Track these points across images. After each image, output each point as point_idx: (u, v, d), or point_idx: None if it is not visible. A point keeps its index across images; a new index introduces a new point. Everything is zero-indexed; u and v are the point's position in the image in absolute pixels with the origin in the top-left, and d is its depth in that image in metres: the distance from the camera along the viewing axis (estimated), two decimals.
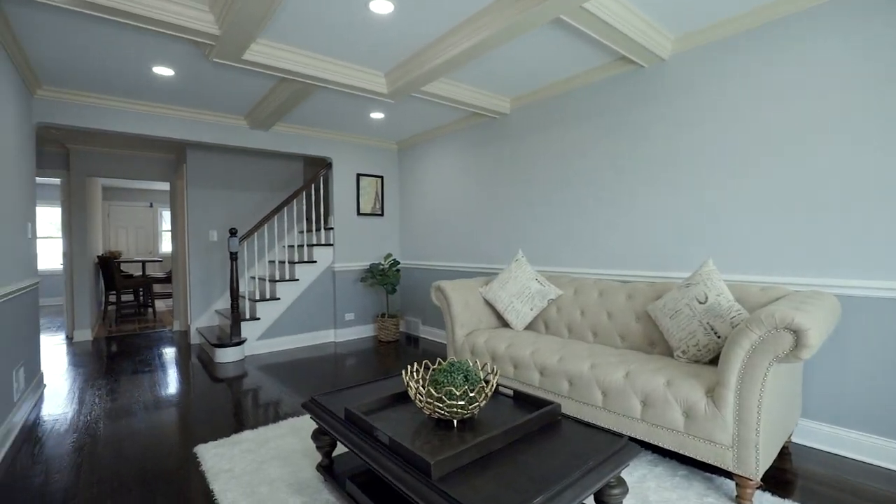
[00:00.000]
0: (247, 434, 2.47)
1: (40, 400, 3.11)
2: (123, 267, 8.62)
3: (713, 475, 1.97)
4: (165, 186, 8.36)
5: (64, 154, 5.15)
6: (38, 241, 8.33)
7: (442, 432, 1.57)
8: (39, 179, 7.23)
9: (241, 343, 4.21)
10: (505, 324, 3.25)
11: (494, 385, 1.66)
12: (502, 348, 2.69)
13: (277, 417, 2.73)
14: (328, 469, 1.93)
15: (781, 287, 2.16)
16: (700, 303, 2.15)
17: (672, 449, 1.91)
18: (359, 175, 5.08)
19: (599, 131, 3.16)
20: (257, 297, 4.52)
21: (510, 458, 1.41)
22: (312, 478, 1.99)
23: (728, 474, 1.97)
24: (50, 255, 8.44)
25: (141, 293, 7.22)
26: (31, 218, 3.23)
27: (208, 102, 3.76)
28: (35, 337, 3.23)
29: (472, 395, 1.54)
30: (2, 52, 2.56)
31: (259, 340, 4.45)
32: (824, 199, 2.17)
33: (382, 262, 5.07)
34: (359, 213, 5.08)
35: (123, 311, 7.16)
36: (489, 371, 1.78)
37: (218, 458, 2.18)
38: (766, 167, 2.36)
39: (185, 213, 5.08)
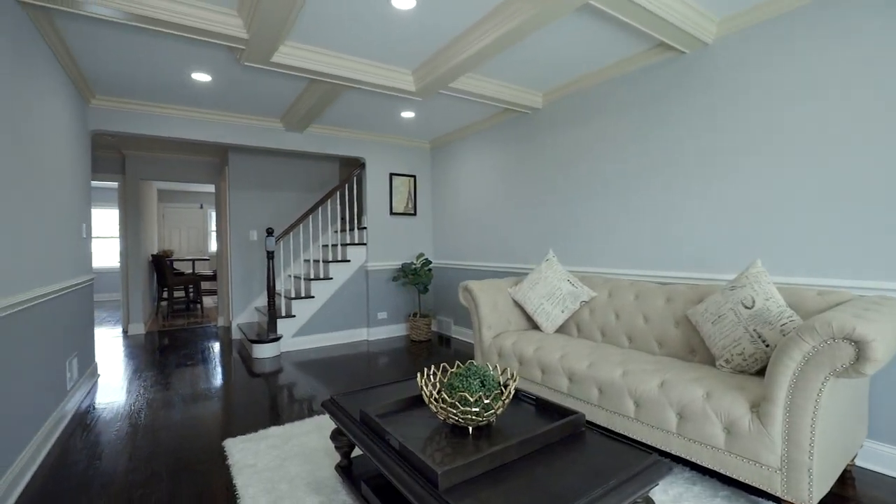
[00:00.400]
0: (274, 430, 2.51)
1: (93, 389, 3.33)
2: (175, 265, 9.15)
3: (760, 498, 1.78)
4: (213, 189, 8.80)
5: (120, 159, 5.51)
6: (100, 240, 9.02)
7: (456, 439, 1.50)
8: (99, 183, 7.78)
9: (276, 340, 4.33)
10: (535, 326, 3.13)
11: (512, 391, 1.57)
12: (530, 351, 2.59)
13: (304, 414, 2.77)
14: (346, 470, 1.91)
15: (843, 291, 1.92)
16: (746, 307, 1.96)
17: (711, 467, 1.74)
18: (391, 175, 5.10)
19: (635, 124, 2.98)
20: (293, 295, 4.63)
21: (526, 470, 1.33)
22: (331, 477, 1.99)
23: (776, 499, 1.78)
24: (110, 253, 9.11)
25: (190, 290, 7.63)
26: (86, 219, 3.46)
27: (245, 106, 3.88)
28: (89, 330, 3.46)
29: (487, 401, 1.47)
30: (57, 65, 2.75)
31: (294, 337, 4.56)
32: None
33: (414, 262, 5.06)
34: (391, 213, 5.10)
35: (175, 306, 7.59)
36: (509, 376, 1.70)
37: (244, 453, 2.23)
38: (825, 158, 2.12)
39: (227, 214, 5.30)
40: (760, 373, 1.96)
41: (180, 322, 6.29)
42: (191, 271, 8.12)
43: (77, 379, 3.01)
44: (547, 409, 1.75)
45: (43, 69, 2.45)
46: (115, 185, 8.61)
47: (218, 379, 3.59)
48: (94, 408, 2.93)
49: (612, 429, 2.09)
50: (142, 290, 5.62)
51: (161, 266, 6.72)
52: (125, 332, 5.50)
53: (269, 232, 4.42)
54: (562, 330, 3.03)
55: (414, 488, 1.26)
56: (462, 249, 4.84)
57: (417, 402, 1.84)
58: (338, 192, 4.91)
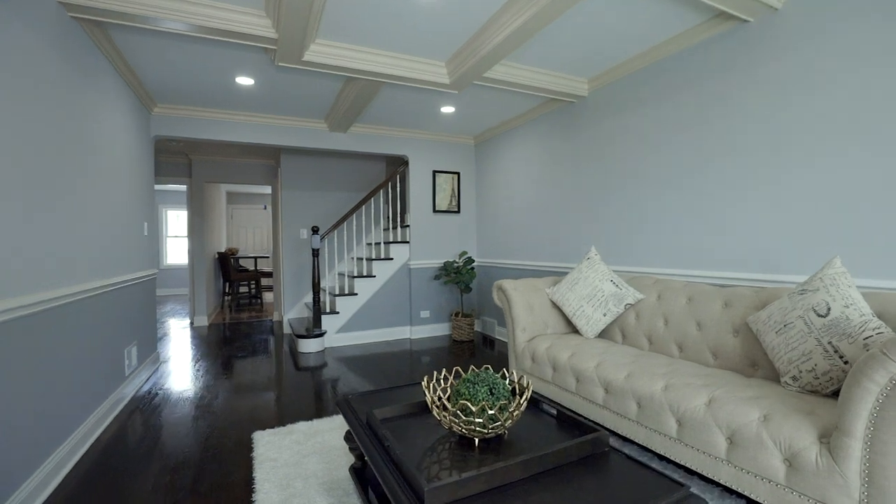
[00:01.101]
0: (301, 425, 2.53)
1: (153, 375, 3.59)
2: (241, 262, 9.77)
3: None
4: (271, 190, 9.30)
5: (188, 163, 5.96)
6: (176, 239, 9.84)
7: (460, 452, 1.38)
8: (171, 186, 8.46)
9: (321, 335, 4.43)
10: (575, 330, 2.91)
11: (524, 403, 1.42)
12: (564, 358, 2.39)
13: (333, 411, 2.77)
14: (359, 472, 1.86)
15: None
16: (819, 315, 1.64)
17: None
18: (435, 172, 5.04)
19: (689, 108, 2.65)
20: (336, 292, 4.72)
21: (531, 494, 1.18)
22: (345, 479, 1.94)
23: None
24: (184, 251, 9.94)
25: (252, 285, 8.10)
26: (149, 218, 3.74)
27: (290, 108, 4.00)
28: (151, 320, 3.74)
29: (491, 412, 1.33)
30: (119, 79, 2.98)
31: (338, 333, 4.65)
32: None
33: (457, 260, 4.96)
34: (435, 211, 5.05)
35: (240, 301, 8.11)
36: (524, 384, 1.54)
37: (268, 447, 2.26)
38: None
39: (280, 213, 5.54)
40: (837, 394, 1.63)
41: (241, 315, 6.68)
42: (253, 268, 8.63)
43: (136, 366, 3.25)
44: (568, 423, 1.57)
45: (104, 82, 2.65)
46: (183, 187, 9.36)
47: (263, 371, 3.73)
48: (150, 393, 3.15)
49: (652, 449, 1.85)
50: (204, 284, 6.04)
51: (225, 263, 7.20)
52: (191, 323, 5.94)
53: (315, 230, 4.54)
54: (605, 335, 2.78)
55: (403, 502, 1.16)
56: (506, 247, 4.66)
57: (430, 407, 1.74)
58: (381, 191, 4.94)
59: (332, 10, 2.38)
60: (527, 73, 3.19)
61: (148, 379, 3.48)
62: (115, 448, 2.30)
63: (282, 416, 2.70)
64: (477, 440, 1.42)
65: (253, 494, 1.85)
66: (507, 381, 1.49)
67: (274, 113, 4.14)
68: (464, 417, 1.35)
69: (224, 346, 4.70)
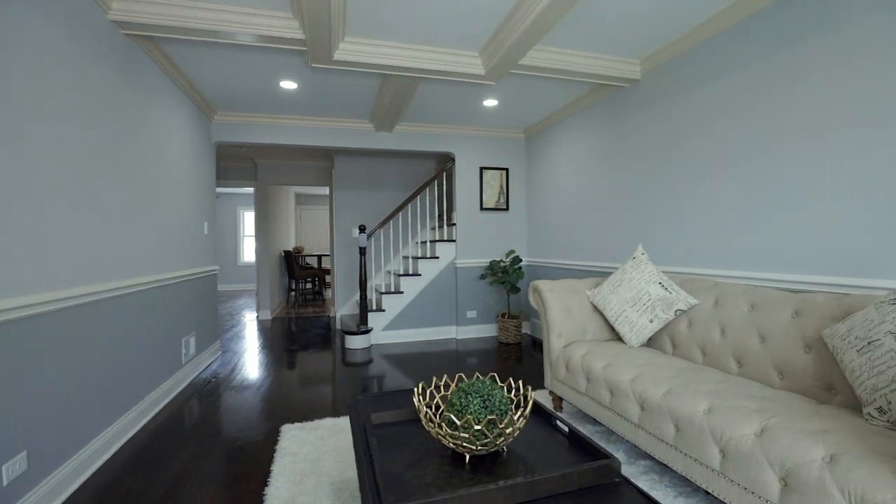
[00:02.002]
0: (328, 421, 2.55)
1: (211, 364, 3.86)
2: (307, 260, 10.32)
3: None
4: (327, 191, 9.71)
5: (253, 167, 6.38)
6: (249, 238, 10.61)
7: (448, 468, 1.26)
8: (242, 189, 9.07)
9: (367, 332, 4.50)
10: (619, 338, 2.63)
11: (524, 419, 1.26)
12: (598, 368, 2.15)
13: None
14: None
15: None
16: None
17: None
18: (482, 168, 4.90)
19: (755, 85, 2.27)
20: (383, 290, 4.77)
21: None
22: (354, 480, 1.90)
23: None
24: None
25: (315, 282, 8.52)
26: (209, 218, 4.02)
27: (336, 110, 4.09)
28: (211, 313, 4.02)
29: (478, 427, 1.19)
30: (177, 89, 3.23)
31: (384, 331, 4.69)
32: None
33: (504, 260, 4.79)
34: (482, 208, 4.91)
35: (307, 297, 8.56)
36: (528, 397, 1.38)
37: (292, 440, 2.29)
38: None
39: (333, 213, 5.73)
40: None
41: (303, 311, 7.04)
42: (317, 266, 9.05)
43: (194, 354, 3.51)
44: (580, 444, 1.38)
45: (160, 92, 2.87)
46: (251, 190, 10.05)
47: (309, 365, 3.85)
48: (202, 381, 3.38)
49: (691, 479, 1.58)
50: (270, 281, 6.43)
51: (290, 261, 7.63)
52: (257, 317, 6.36)
53: (362, 229, 4.62)
54: (653, 344, 2.48)
55: None
56: (557, 246, 4.40)
57: None
58: (427, 189, 4.91)
59: (355, 6, 2.36)
60: (568, 57, 2.95)
61: (206, 367, 3.75)
62: (162, 429, 2.48)
63: (314, 411, 2.74)
64: (468, 457, 1.30)
65: (266, 488, 1.88)
66: (505, 392, 1.34)
67: (321, 115, 4.27)
68: (450, 431, 1.23)
69: (280, 339, 4.95)
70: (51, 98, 1.81)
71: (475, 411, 1.25)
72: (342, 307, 5.68)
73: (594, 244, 3.75)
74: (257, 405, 2.87)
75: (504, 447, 1.35)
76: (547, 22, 2.34)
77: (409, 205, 5.00)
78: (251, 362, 3.94)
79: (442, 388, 1.57)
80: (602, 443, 2.22)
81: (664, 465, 1.93)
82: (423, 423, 1.30)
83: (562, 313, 2.60)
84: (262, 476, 1.99)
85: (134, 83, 2.55)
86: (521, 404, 1.40)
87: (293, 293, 7.84)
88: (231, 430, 2.49)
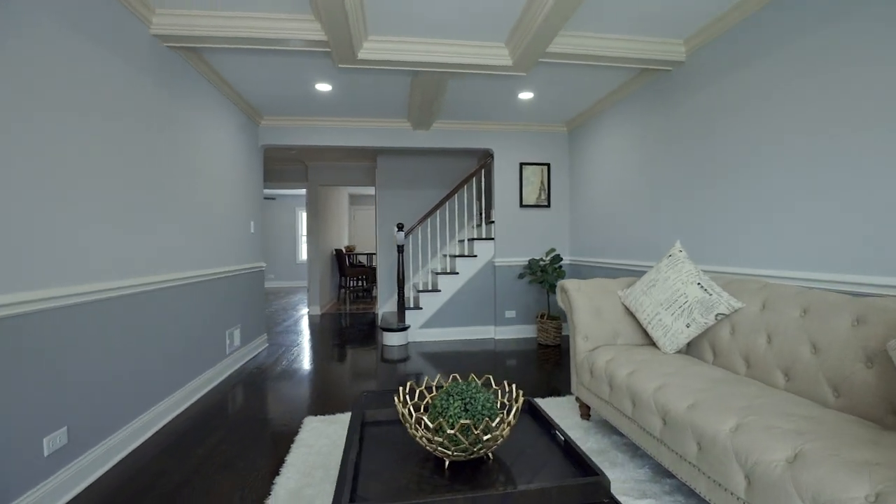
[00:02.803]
0: (348, 415, 2.58)
1: (255, 356, 4.08)
2: (358, 259, 10.65)
3: None
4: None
5: (304, 169, 6.68)
6: (303, 238, 11.10)
7: (426, 474, 1.21)
8: (299, 191, 9.45)
9: (404, 329, 4.53)
10: (654, 342, 2.41)
11: (507, 426, 1.18)
12: (622, 374, 1.98)
13: None
14: None
15: None
16: None
17: None
18: (522, 164, 4.75)
19: (818, 58, 1.96)
20: (420, 288, 4.78)
21: None
22: None
23: None
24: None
25: (365, 280, 8.76)
26: (256, 217, 4.26)
27: (372, 110, 4.16)
28: (257, 307, 4.24)
29: (450, 431, 1.13)
30: (220, 95, 3.45)
31: (421, 329, 4.70)
32: None
33: (543, 258, 4.61)
34: (522, 205, 4.76)
35: (359, 294, 8.83)
36: (518, 402, 1.28)
37: (311, 433, 2.35)
38: None
39: (376, 212, 5.85)
40: None
41: (352, 307, 7.27)
42: (367, 264, 9.31)
43: (238, 346, 3.73)
44: (573, 458, 1.26)
45: (203, 99, 3.07)
46: (303, 191, 10.42)
47: (347, 360, 3.95)
48: (245, 370, 3.58)
49: None
50: (319, 278, 6.70)
51: (340, 259, 7.91)
52: (307, 313, 6.65)
53: (399, 227, 4.66)
54: (690, 351, 2.24)
55: None
56: (600, 245, 4.15)
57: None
58: (465, 187, 4.85)
59: (372, 4, 2.37)
60: (602, 41, 2.76)
61: (251, 358, 3.97)
62: (199, 415, 2.64)
63: (339, 404, 2.79)
64: (447, 462, 1.23)
65: (276, 477, 1.93)
66: (493, 396, 1.26)
67: (360, 116, 4.36)
68: (426, 434, 1.18)
69: (325, 334, 5.14)
70: (107, 113, 1.99)
71: (453, 415, 1.19)
72: (385, 304, 5.78)
73: (639, 242, 3.48)
74: (289, 396, 2.97)
75: (489, 454, 1.27)
76: (567, 6, 2.19)
77: (448, 203, 4.97)
78: (293, 355, 4.12)
79: (434, 388, 1.52)
80: (627, 457, 2.04)
81: (689, 488, 1.73)
82: (405, 424, 1.26)
83: (590, 315, 2.44)
84: (276, 465, 2.05)
85: (178, 94, 2.75)
86: (519, 409, 1.31)
87: (343, 290, 8.12)
88: (260, 419, 2.60)
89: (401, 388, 1.37)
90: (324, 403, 2.83)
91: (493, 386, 1.41)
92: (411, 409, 1.22)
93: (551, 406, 2.68)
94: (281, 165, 6.70)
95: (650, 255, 3.31)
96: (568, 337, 4.64)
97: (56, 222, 1.78)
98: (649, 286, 2.32)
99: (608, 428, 2.35)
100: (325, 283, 7.23)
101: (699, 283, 2.16)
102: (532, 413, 1.57)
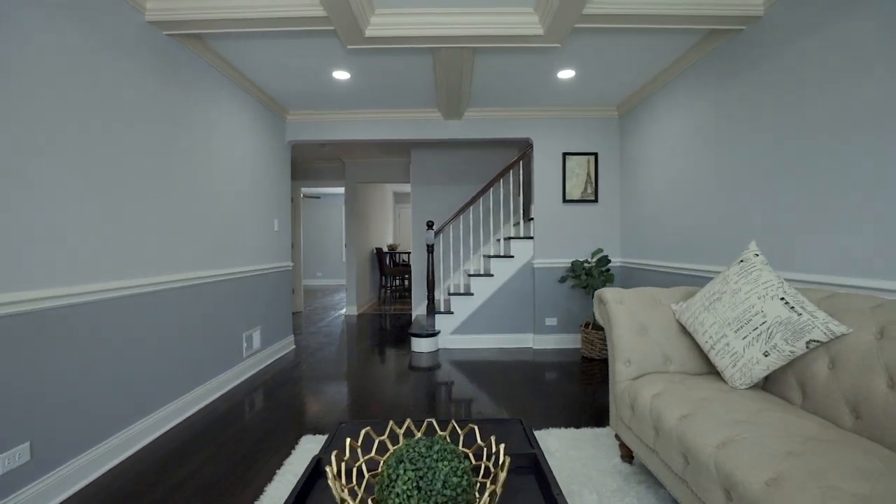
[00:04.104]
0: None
1: (276, 359, 3.94)
2: (401, 258, 10.50)
3: None
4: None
5: (342, 167, 6.57)
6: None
7: None
8: (340, 189, 9.33)
9: (433, 335, 4.22)
10: (717, 371, 1.89)
11: None
12: (673, 418, 1.51)
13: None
14: None
15: None
16: None
17: None
18: (565, 154, 4.26)
19: None
20: (451, 291, 4.44)
21: None
22: None
23: None
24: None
25: (406, 279, 8.56)
26: (282, 215, 4.12)
27: (399, 100, 3.87)
28: (282, 308, 4.11)
29: None
30: (242, 92, 3.31)
31: (453, 335, 4.36)
32: None
33: (588, 260, 4.09)
34: (565, 200, 4.27)
35: (400, 293, 8.66)
36: (501, 466, 0.90)
37: (303, 455, 2.09)
38: None
39: (411, 209, 5.58)
40: None
41: (390, 308, 7.08)
42: (408, 263, 9.10)
43: (258, 349, 3.59)
44: None
45: (215, 93, 2.93)
46: (341, 190, 10.35)
47: (373, 367, 3.71)
48: (261, 377, 3.43)
49: None
50: (357, 278, 6.56)
51: (381, 258, 7.76)
52: (344, 313, 6.54)
53: (430, 225, 4.35)
54: (768, 387, 1.71)
55: None
56: (657, 245, 3.57)
57: None
58: (501, 181, 4.43)
59: None
60: None
61: (272, 362, 3.83)
62: (195, 426, 2.48)
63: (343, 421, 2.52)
64: None
65: (261, 495, 1.68)
66: (462, 465, 0.89)
67: (387, 107, 4.09)
68: None
69: (357, 336, 4.95)
70: (104, 108, 1.85)
71: (401, 493, 0.83)
72: (419, 306, 5.51)
73: (702, 242, 2.90)
74: (294, 408, 2.76)
75: None
76: None
77: (483, 199, 4.58)
78: (316, 360, 3.94)
79: (400, 436, 1.17)
80: None
81: None
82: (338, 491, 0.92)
83: (634, 333, 1.96)
84: (253, 496, 1.80)
85: (185, 87, 2.61)
86: (496, 476, 0.92)
87: (384, 290, 7.97)
88: (257, 434, 2.39)
89: (334, 457, 1.04)
90: (327, 420, 2.57)
91: (478, 440, 1.04)
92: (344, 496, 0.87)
93: (587, 441, 2.23)
94: (320, 164, 6.64)
95: (716, 259, 2.73)
96: None
97: (34, 222, 1.64)
98: (713, 300, 1.81)
99: (656, 479, 1.87)
100: (365, 282, 7.10)
101: (783, 298, 1.62)
102: (537, 475, 1.18)
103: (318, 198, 10.61)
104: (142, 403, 2.26)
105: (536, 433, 2.31)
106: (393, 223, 10.32)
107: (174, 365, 2.52)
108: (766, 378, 1.71)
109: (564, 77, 3.39)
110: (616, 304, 2.03)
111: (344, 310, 6.72)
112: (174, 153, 2.53)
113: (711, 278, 2.73)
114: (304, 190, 9.73)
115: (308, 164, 6.64)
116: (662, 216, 3.42)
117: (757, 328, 1.64)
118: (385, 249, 8.75)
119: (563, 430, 2.35)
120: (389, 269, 7.84)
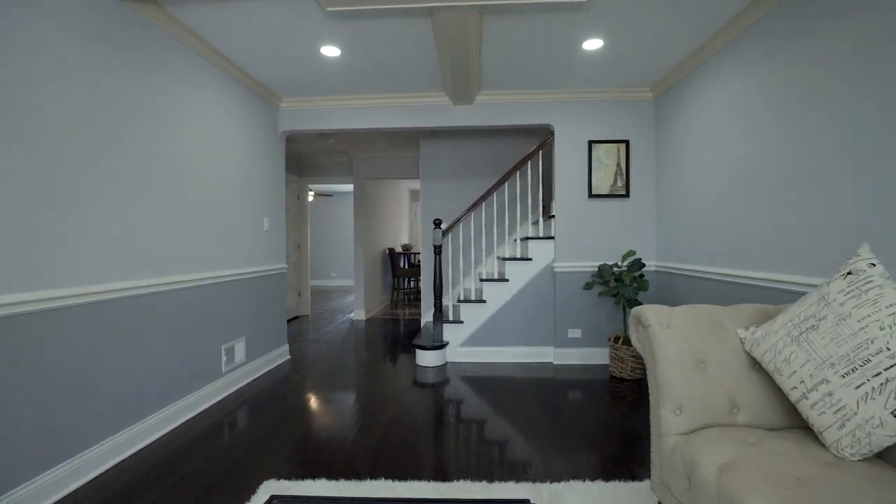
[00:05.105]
0: (321, 484, 1.86)
1: (274, 370, 3.56)
2: (418, 258, 10.07)
3: None
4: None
5: (349, 162, 6.18)
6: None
7: None
8: (347, 187, 8.94)
9: (440, 348, 3.76)
10: (808, 425, 1.35)
11: None
12: None
13: (381, 472, 2.01)
14: None
15: None
16: None
17: None
18: (591, 143, 3.72)
19: None
20: (461, 297, 3.96)
21: None
22: None
23: None
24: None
25: (420, 281, 8.13)
26: (274, 213, 3.73)
27: (400, 82, 3.43)
28: (273, 316, 3.72)
29: None
30: (227, 77, 2.93)
31: (462, 347, 3.89)
32: None
33: (619, 264, 3.55)
34: (591, 195, 3.73)
35: (411, 295, 8.24)
36: None
37: None
38: None
39: (420, 206, 5.13)
40: None
41: (401, 312, 6.66)
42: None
43: (242, 362, 3.21)
44: None
45: (195, 79, 2.55)
46: (349, 187, 9.97)
47: (373, 382, 3.31)
48: (241, 395, 3.04)
49: None
50: (366, 280, 6.16)
51: (393, 258, 7.35)
52: (351, 318, 6.15)
53: (437, 224, 3.89)
54: (892, 459, 1.17)
55: None
56: (702, 247, 3.00)
57: None
58: (517, 174, 3.93)
59: None
60: None
61: (259, 376, 3.45)
62: (158, 453, 2.11)
63: (324, 461, 2.09)
64: None
65: None
66: None
67: (389, 91, 3.65)
68: None
69: (362, 345, 4.54)
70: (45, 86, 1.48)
71: None
72: (427, 313, 5.06)
73: (776, 243, 2.33)
74: (267, 441, 2.34)
75: None
76: None
77: (496, 194, 4.09)
78: (310, 374, 3.54)
79: None
80: None
81: None
82: None
83: (686, 369, 1.45)
84: None
85: (149, 67, 2.24)
86: None
87: (396, 292, 7.56)
88: (212, 475, 1.98)
89: None
90: (298, 457, 2.15)
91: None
92: None
93: (615, 502, 1.72)
94: (326, 158, 6.28)
95: (788, 265, 2.16)
96: None
97: None
98: (805, 328, 1.28)
99: None
100: (375, 284, 6.71)
101: None
102: None
103: (331, 196, 10.30)
104: (75, 438, 1.88)
105: (552, 487, 1.82)
106: (409, 222, 9.91)
107: (126, 388, 2.15)
108: (888, 448, 1.18)
109: (591, 48, 2.87)
110: (661, 327, 1.51)
111: (352, 314, 6.33)
112: (128, 141, 2.16)
113: (784, 290, 2.17)
114: (316, 187, 9.44)
115: (314, 158, 6.29)
116: (711, 212, 2.85)
117: (880, 374, 1.11)
118: (399, 250, 8.34)
119: (586, 483, 1.85)
120: (403, 270, 7.42)
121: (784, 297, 2.15)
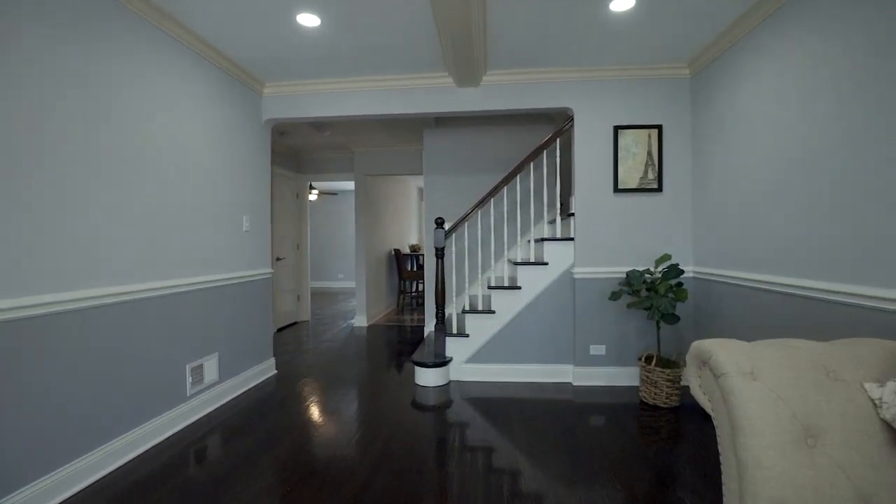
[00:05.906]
0: None
1: (255, 389, 3.15)
2: (424, 260, 9.60)
3: None
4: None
5: (350, 157, 5.76)
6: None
7: None
8: (350, 185, 8.50)
9: (442, 365, 3.30)
10: None
11: None
12: None
13: None
14: None
15: None
16: None
17: None
18: (617, 129, 3.21)
19: None
20: (467, 308, 3.49)
21: None
22: None
23: None
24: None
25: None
26: (256, 211, 3.32)
27: (395, 60, 2.98)
28: (254, 327, 3.31)
29: None
30: (197, 56, 2.53)
31: (468, 363, 3.42)
32: None
33: (651, 270, 3.04)
34: (617, 190, 3.22)
35: (420, 299, 7.78)
36: None
37: None
38: None
39: (423, 203, 4.67)
40: None
41: (407, 318, 6.22)
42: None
43: (214, 381, 2.81)
44: None
45: (165, 57, 2.15)
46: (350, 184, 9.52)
47: (366, 404, 2.90)
48: (212, 421, 2.63)
49: None
50: (368, 283, 5.74)
51: (399, 260, 6.91)
52: (352, 324, 5.73)
53: (439, 223, 3.43)
54: None
55: None
56: (752, 250, 2.47)
57: None
58: (531, 165, 3.44)
59: None
60: None
61: (237, 396, 3.04)
62: (149, 468, 1.70)
63: None
64: None
65: None
66: None
67: (384, 73, 3.21)
68: None
69: (359, 357, 4.12)
70: None
71: None
72: (432, 321, 4.60)
73: (858, 250, 1.80)
74: (221, 491, 1.92)
75: None
76: None
77: (506, 189, 3.61)
78: (295, 394, 3.12)
79: None
80: None
81: None
82: None
83: (784, 445, 0.95)
84: None
85: (96, 41, 1.82)
86: None
87: (403, 296, 7.11)
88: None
89: None
90: None
91: None
92: None
93: None
94: (326, 154, 5.87)
95: (880, 277, 1.63)
96: (692, 397, 2.94)
97: None
98: None
99: None
100: (380, 288, 6.28)
101: None
102: None
103: (336, 194, 9.92)
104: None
105: None
106: (417, 221, 9.46)
107: (60, 419, 1.74)
108: None
109: (619, 10, 2.36)
110: (742, 378, 1.02)
111: (353, 320, 5.92)
112: (67, 127, 1.76)
113: (878, 309, 1.64)
114: (319, 185, 9.05)
115: (312, 154, 5.89)
116: (766, 208, 2.32)
117: None
118: (406, 251, 7.90)
119: None
120: (410, 272, 6.98)
121: (879, 317, 1.62)
